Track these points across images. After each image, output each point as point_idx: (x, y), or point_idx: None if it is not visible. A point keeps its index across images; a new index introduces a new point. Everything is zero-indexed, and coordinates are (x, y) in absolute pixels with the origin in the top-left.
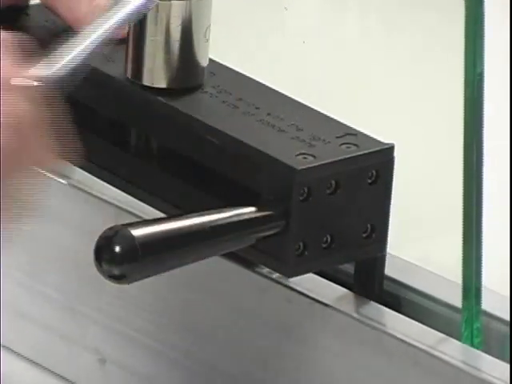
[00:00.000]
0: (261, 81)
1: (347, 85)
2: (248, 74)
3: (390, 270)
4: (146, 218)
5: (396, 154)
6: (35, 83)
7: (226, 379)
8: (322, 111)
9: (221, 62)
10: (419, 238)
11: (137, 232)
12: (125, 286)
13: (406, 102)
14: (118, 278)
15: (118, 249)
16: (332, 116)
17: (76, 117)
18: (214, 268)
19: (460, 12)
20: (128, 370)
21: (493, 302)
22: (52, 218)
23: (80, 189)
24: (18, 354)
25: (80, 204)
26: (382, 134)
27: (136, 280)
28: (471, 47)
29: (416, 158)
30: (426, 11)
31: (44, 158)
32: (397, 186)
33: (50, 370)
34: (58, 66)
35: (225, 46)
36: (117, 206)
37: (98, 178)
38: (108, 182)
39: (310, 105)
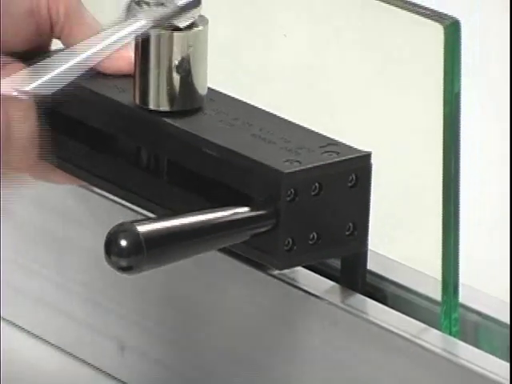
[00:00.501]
0: (256, 101)
1: (336, 103)
2: (245, 94)
3: (376, 267)
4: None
5: (382, 160)
6: (18, 95)
7: (230, 362)
8: (309, 127)
9: (219, 85)
10: (402, 237)
11: (142, 228)
12: (140, 282)
13: (390, 116)
14: (125, 269)
15: (124, 243)
16: (321, 131)
17: (92, 139)
18: (216, 264)
19: (440, 37)
20: (145, 357)
21: (468, 295)
22: (74, 220)
23: (100, 195)
24: (46, 341)
25: (97, 208)
26: (367, 144)
27: (142, 271)
28: (449, 69)
29: (399, 163)
30: (408, 36)
31: (19, 162)
32: (380, 189)
33: (74, 356)
34: (41, 81)
35: (224, 71)
36: (128, 208)
37: (108, 192)
38: (118, 196)
39: (299, 121)
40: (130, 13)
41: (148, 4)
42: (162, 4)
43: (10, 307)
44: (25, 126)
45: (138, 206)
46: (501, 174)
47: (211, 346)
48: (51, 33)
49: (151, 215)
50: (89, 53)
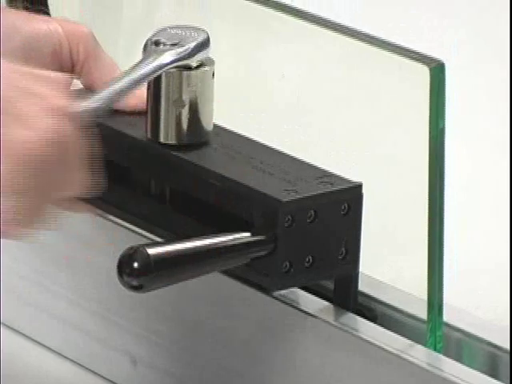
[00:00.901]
0: (258, 135)
1: (331, 138)
2: (248, 130)
3: (367, 288)
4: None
5: (373, 190)
6: (80, 113)
7: (232, 375)
8: (306, 160)
9: (223, 120)
10: (391, 261)
11: (151, 250)
12: (151, 300)
13: (380, 149)
14: (136, 289)
15: (135, 264)
16: (316, 163)
17: (107, 171)
18: (220, 285)
19: (426, 78)
20: (156, 370)
21: (451, 314)
22: (91, 244)
23: (113, 221)
24: (63, 356)
25: (111, 232)
26: (360, 175)
27: (151, 290)
28: (434, 107)
29: (388, 192)
30: (397, 77)
31: (74, 183)
32: (372, 217)
33: (89, 369)
34: (94, 100)
35: (228, 108)
36: (139, 234)
37: (122, 219)
38: (130, 223)
39: (297, 154)
40: (152, 52)
41: (164, 44)
42: (177, 44)
43: (30, 324)
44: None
45: (149, 231)
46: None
47: (216, 360)
48: (72, 72)
49: (160, 240)
50: (125, 82)
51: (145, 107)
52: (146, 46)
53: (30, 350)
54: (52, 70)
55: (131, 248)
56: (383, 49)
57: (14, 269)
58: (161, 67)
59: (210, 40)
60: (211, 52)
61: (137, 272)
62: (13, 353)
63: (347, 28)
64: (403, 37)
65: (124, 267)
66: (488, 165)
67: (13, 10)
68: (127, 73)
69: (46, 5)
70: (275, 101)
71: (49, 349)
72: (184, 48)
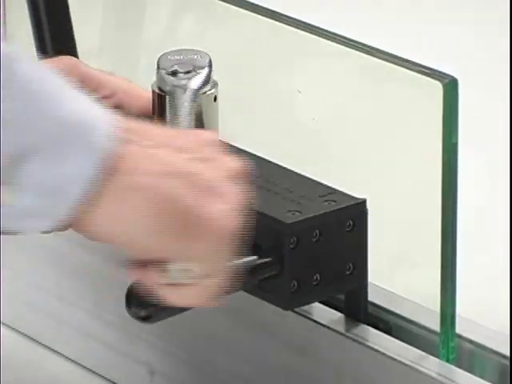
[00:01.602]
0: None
1: (344, 153)
2: (255, 145)
3: (380, 300)
4: None
5: (387, 203)
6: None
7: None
8: (315, 175)
9: (238, 135)
10: (404, 274)
11: None
12: None
13: (394, 163)
14: (144, 319)
15: (142, 295)
16: (330, 178)
17: None
18: (237, 299)
19: (439, 93)
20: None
21: (464, 326)
22: (108, 257)
23: None
24: (84, 367)
25: None
26: (374, 188)
27: (159, 320)
28: (448, 122)
29: (402, 205)
30: (410, 93)
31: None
32: (385, 229)
33: (109, 380)
34: None
35: (243, 124)
36: None
37: None
38: None
39: (307, 170)
40: (173, 85)
41: (180, 73)
42: (191, 71)
43: (50, 335)
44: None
45: None
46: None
47: (233, 371)
48: None
49: None
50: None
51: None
52: (160, 77)
53: (50, 360)
54: None
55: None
56: (397, 64)
57: (35, 281)
58: (193, 98)
59: (226, 57)
60: (229, 68)
61: (145, 303)
62: (34, 363)
63: (361, 44)
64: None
65: (131, 298)
66: (487, 172)
67: None
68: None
69: (74, 50)
70: (289, 116)
71: (68, 358)
72: (204, 73)
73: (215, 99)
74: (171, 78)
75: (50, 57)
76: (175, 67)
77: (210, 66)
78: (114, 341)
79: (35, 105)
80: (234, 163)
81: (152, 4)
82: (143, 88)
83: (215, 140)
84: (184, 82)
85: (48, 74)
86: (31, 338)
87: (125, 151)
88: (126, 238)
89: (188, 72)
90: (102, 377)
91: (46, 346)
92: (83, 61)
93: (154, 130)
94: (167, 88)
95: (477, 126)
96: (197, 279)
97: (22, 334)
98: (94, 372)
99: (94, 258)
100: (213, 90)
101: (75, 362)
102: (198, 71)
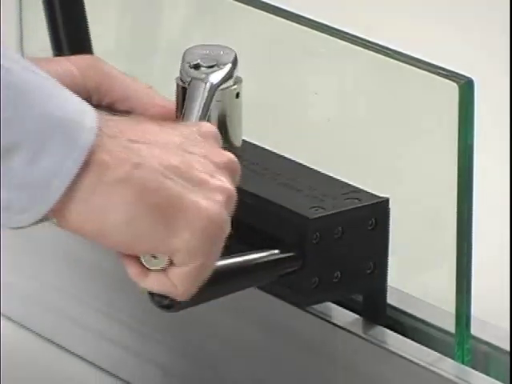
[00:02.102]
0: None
1: (361, 154)
2: (278, 145)
3: (396, 302)
4: None
5: (402, 204)
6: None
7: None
8: (335, 175)
9: (255, 135)
10: (419, 276)
11: None
12: (182, 313)
13: (411, 164)
14: (167, 308)
15: None
16: (346, 178)
17: None
18: (253, 299)
19: (455, 95)
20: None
21: (479, 327)
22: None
23: None
24: (97, 366)
25: None
26: (390, 189)
27: (182, 309)
28: (463, 123)
29: (418, 207)
30: (426, 94)
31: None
32: (401, 230)
33: (122, 380)
34: None
35: (259, 124)
36: None
37: None
38: None
39: (327, 169)
40: (193, 77)
41: (203, 66)
42: (215, 65)
43: (65, 335)
44: None
45: None
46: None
47: (246, 372)
48: (91, 99)
49: None
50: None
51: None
52: (184, 69)
53: (63, 360)
54: None
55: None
56: (413, 65)
57: (51, 282)
58: (212, 92)
59: (244, 57)
60: (244, 69)
61: None
62: (46, 362)
63: (377, 45)
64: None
65: None
66: (487, 170)
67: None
68: (189, 108)
69: (90, 51)
70: (307, 117)
71: (81, 358)
72: (226, 69)
73: (238, 96)
74: (193, 70)
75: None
76: (198, 61)
77: (234, 62)
78: (127, 341)
79: (19, 101)
80: (224, 156)
81: (168, 4)
82: (163, 96)
83: (211, 132)
84: (204, 75)
85: (32, 71)
86: (44, 338)
87: (106, 146)
88: (107, 230)
89: (211, 66)
90: (116, 376)
91: (59, 346)
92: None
93: (138, 125)
94: (188, 80)
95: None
96: (179, 268)
97: (35, 333)
98: (107, 372)
99: (107, 258)
100: (235, 86)
101: (89, 362)
102: (221, 66)
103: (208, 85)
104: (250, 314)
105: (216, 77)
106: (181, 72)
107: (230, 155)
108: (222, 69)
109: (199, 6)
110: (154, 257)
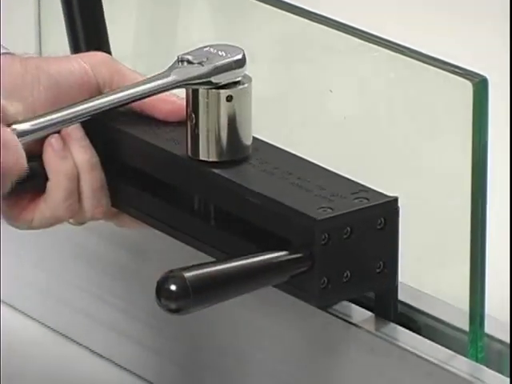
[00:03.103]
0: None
1: (374, 152)
2: (290, 142)
3: (409, 299)
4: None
5: (416, 202)
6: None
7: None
8: (348, 172)
9: (268, 133)
10: (433, 273)
11: (188, 274)
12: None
13: (425, 162)
14: (174, 311)
15: (173, 287)
16: (359, 176)
17: (148, 186)
18: (267, 296)
19: (469, 93)
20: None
21: (493, 325)
22: (140, 255)
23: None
24: (116, 364)
25: (161, 244)
26: (403, 187)
27: (189, 312)
28: (477, 122)
29: (432, 204)
30: (440, 91)
31: None
32: (415, 228)
33: (139, 376)
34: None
35: (274, 122)
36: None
37: (164, 232)
38: (170, 235)
39: (339, 167)
40: (170, 68)
41: (190, 62)
42: (201, 63)
43: (82, 332)
44: (94, 175)
45: (192, 246)
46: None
47: (263, 369)
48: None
49: (203, 255)
50: (121, 94)
51: (181, 114)
52: (174, 61)
53: (82, 357)
54: (82, 97)
55: (169, 271)
56: (427, 63)
57: (69, 279)
58: (166, 86)
59: (259, 55)
60: (261, 66)
61: (174, 295)
62: (65, 359)
63: (392, 42)
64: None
65: (162, 290)
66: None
67: (35, 56)
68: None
69: (108, 51)
70: (322, 115)
71: (100, 356)
72: (204, 68)
73: (247, 94)
74: (177, 64)
75: None
76: (191, 57)
77: (240, 61)
78: (146, 338)
79: None
80: None
81: (185, 5)
82: (173, 93)
83: None
84: (197, 73)
85: None
86: (62, 335)
87: None
88: None
89: (199, 63)
90: (135, 374)
91: (77, 343)
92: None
93: None
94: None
95: None
96: None
97: (54, 330)
98: (126, 369)
99: (126, 255)
100: (246, 85)
101: (107, 359)
102: (205, 65)
103: (202, 84)
104: (265, 311)
105: (179, 73)
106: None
107: None
108: (220, 67)
109: (213, 4)
110: None
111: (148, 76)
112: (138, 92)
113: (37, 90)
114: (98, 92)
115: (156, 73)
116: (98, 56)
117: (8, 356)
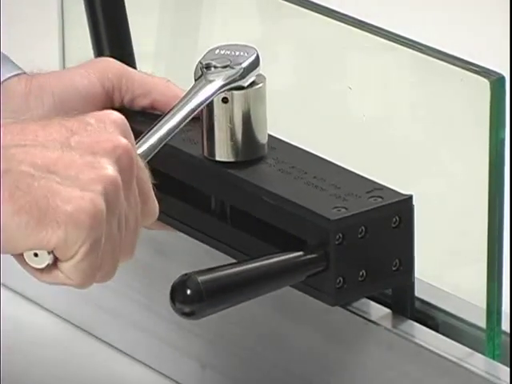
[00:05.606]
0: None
1: (392, 149)
2: (307, 140)
3: (427, 296)
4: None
5: (434, 200)
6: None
7: (300, 381)
8: (368, 170)
9: (287, 131)
10: (452, 270)
11: (202, 278)
12: None
13: (443, 159)
14: (188, 315)
15: (188, 291)
16: (377, 174)
17: (165, 186)
18: (287, 295)
19: (486, 90)
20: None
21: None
22: (164, 252)
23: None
24: (136, 359)
25: (181, 242)
26: (422, 184)
27: (203, 316)
28: (495, 119)
29: (450, 202)
30: (458, 89)
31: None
32: (432, 225)
33: (160, 372)
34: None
35: (293, 119)
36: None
37: (181, 232)
38: (188, 235)
39: (357, 165)
40: (202, 76)
41: (215, 67)
42: (228, 66)
43: (103, 327)
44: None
45: (208, 245)
46: None
47: (281, 365)
48: (113, 103)
49: (221, 255)
50: (176, 120)
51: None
52: (196, 69)
53: (103, 352)
54: (89, 109)
55: (183, 275)
56: (444, 61)
57: None
58: (213, 93)
59: (278, 55)
60: (279, 65)
61: (189, 299)
62: (87, 355)
63: (410, 41)
64: None
65: (176, 294)
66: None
67: (41, 74)
68: (183, 103)
69: (131, 53)
70: (341, 113)
71: (121, 351)
72: (235, 70)
73: (262, 94)
74: (205, 70)
75: None
76: (213, 62)
77: (254, 62)
78: (165, 334)
79: None
80: (109, 142)
81: (207, 5)
82: (183, 89)
83: (113, 119)
84: (211, 76)
85: None
86: (84, 330)
87: None
88: None
89: (224, 67)
90: (154, 369)
91: (98, 338)
92: (140, 63)
93: (18, 129)
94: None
95: None
96: (66, 262)
97: (75, 325)
98: (144, 364)
99: (148, 252)
100: (261, 85)
101: (128, 355)
102: (234, 66)
103: (212, 84)
104: (284, 309)
105: (221, 77)
106: (194, 72)
107: (117, 141)
108: (233, 68)
109: (235, 6)
110: (36, 254)
111: (166, 77)
112: (193, 106)
113: (41, 110)
114: (108, 98)
115: (177, 72)
116: (102, 62)
117: (27, 350)
